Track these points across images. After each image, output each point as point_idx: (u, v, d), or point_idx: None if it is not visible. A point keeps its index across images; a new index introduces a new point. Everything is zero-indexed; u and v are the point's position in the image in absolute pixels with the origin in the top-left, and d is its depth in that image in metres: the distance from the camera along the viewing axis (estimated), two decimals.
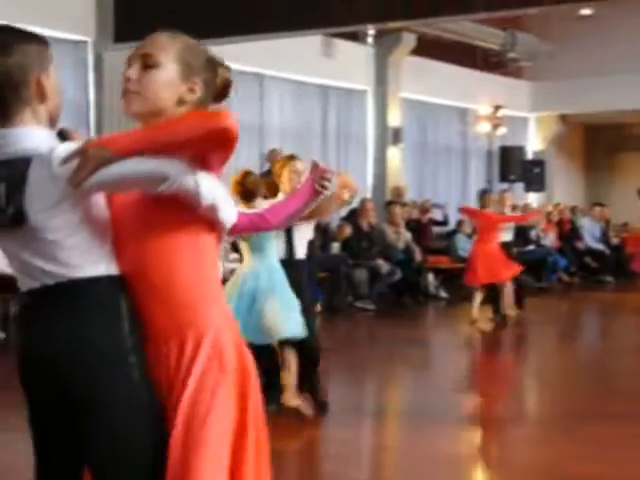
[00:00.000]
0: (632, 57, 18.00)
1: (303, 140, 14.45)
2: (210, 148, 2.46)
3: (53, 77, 2.53)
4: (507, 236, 11.43)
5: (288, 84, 14.12)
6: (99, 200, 2.50)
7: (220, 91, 2.70)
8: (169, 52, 2.58)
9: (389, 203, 14.57)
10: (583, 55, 18.59)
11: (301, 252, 6.36)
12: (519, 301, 11.93)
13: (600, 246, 17.91)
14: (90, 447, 2.44)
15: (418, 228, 14.92)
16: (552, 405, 7.64)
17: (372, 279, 13.15)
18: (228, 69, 2.71)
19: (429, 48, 16.10)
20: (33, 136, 2.44)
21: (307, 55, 13.81)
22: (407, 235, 14.22)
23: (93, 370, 2.40)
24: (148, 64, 2.57)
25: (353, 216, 13.60)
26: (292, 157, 6.38)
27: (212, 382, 2.46)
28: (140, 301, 2.50)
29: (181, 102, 2.59)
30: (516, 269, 11.26)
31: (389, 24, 12.05)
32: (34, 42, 2.50)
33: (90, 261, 2.44)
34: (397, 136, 15.78)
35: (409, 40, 15.59)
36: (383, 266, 13.28)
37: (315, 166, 3.50)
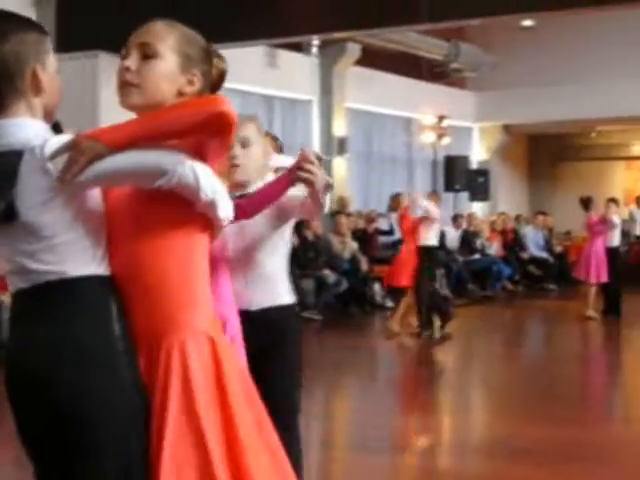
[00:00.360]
0: (573, 68, 18.29)
1: None
2: (208, 135, 2.36)
3: (51, 69, 2.42)
4: (430, 240, 11.20)
5: (232, 94, 14.08)
6: (94, 196, 2.37)
7: (216, 82, 2.64)
8: (168, 42, 2.49)
9: (334, 213, 14.60)
10: (525, 66, 18.83)
11: None
12: (439, 310, 11.26)
13: (543, 254, 18.11)
14: (81, 461, 2.28)
15: (364, 238, 14.97)
16: (498, 410, 7.70)
17: (318, 289, 13.16)
18: (223, 59, 2.66)
19: (374, 58, 16.18)
20: (26, 128, 2.32)
21: (251, 65, 13.79)
22: (353, 245, 14.26)
23: (80, 372, 2.26)
24: (147, 54, 2.47)
25: (298, 226, 13.60)
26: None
27: (199, 387, 2.37)
28: (131, 302, 2.39)
29: (180, 94, 2.50)
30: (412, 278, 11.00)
31: (334, 35, 12.11)
32: (34, 31, 2.39)
33: (82, 260, 2.32)
34: (342, 146, 15.82)
35: (354, 50, 15.66)
36: (329, 276, 13.30)
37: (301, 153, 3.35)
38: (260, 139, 3.64)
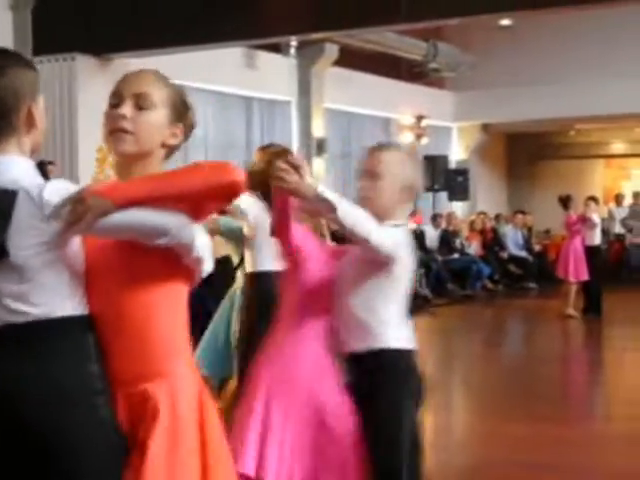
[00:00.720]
0: (551, 67, 18.35)
1: (227, 152, 14.38)
2: (214, 200, 2.43)
3: (41, 107, 2.44)
4: None
5: (211, 96, 14.04)
6: (75, 239, 2.38)
7: (186, 135, 2.66)
8: (162, 94, 2.55)
9: None
10: (504, 65, 18.87)
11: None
12: None
13: (523, 253, 18.16)
14: None
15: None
16: (478, 409, 7.71)
17: None
18: (194, 113, 2.68)
19: (352, 59, 16.17)
20: (17, 166, 2.33)
21: (229, 67, 13.75)
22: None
23: (59, 412, 2.26)
24: (142, 105, 2.51)
25: None
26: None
27: (184, 431, 2.39)
28: (111, 345, 2.39)
29: (163, 146, 2.55)
30: None
31: (312, 36, 12.10)
32: (30, 68, 2.42)
33: (62, 301, 2.32)
34: (321, 147, 15.81)
35: (332, 51, 15.64)
36: None
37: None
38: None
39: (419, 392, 3.50)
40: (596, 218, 13.42)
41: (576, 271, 13.12)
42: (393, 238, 3.27)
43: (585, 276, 13.10)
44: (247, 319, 5.23)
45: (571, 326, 12.85)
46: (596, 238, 13.48)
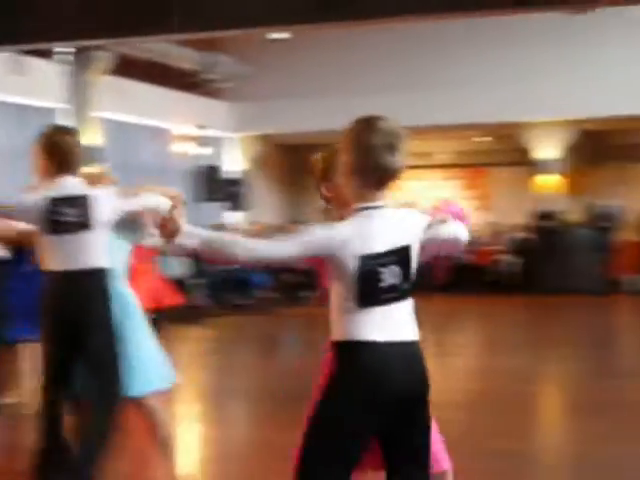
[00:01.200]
0: (326, 80, 18.74)
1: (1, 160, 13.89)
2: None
3: None
4: None
5: None
6: None
7: None
8: None
9: None
10: (280, 77, 19.12)
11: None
12: None
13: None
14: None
15: None
16: (255, 418, 7.75)
17: None
18: None
19: (127, 67, 15.95)
20: None
21: None
22: None
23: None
24: None
25: None
26: None
27: None
28: None
29: None
30: None
31: (84, 42, 11.83)
32: None
33: None
34: (97, 157, 15.49)
35: (105, 59, 15.38)
36: None
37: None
38: None
39: None
40: None
41: None
42: None
43: None
44: None
45: None
46: None
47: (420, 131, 17.40)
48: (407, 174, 3.28)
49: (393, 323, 3.21)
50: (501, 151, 21.13)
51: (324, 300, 3.53)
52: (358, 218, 3.18)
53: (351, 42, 18.06)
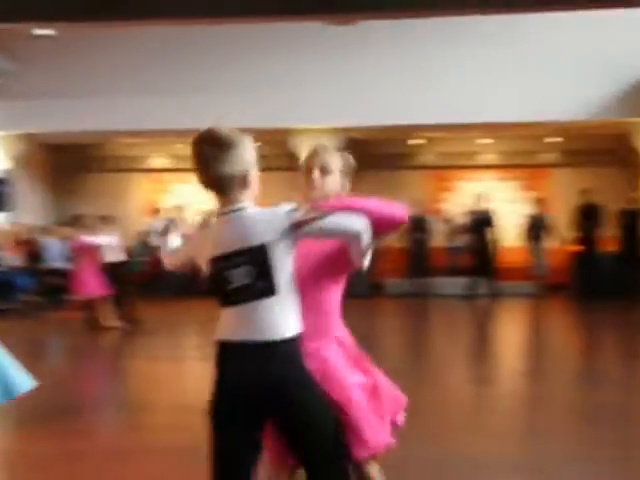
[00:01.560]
0: (93, 80, 18.36)
1: None
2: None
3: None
4: None
5: None
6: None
7: None
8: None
9: None
10: (48, 75, 18.55)
11: None
12: None
13: (64, 265, 17.99)
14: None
15: None
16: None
17: None
18: None
19: None
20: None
21: None
22: None
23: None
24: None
25: None
26: None
27: None
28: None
29: None
30: None
31: None
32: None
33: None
34: None
35: None
36: None
37: None
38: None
39: None
40: (104, 238, 14.00)
41: (100, 286, 13.47)
42: None
43: (109, 291, 13.65)
44: None
45: (115, 336, 13.09)
46: (115, 256, 14.14)
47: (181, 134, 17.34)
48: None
49: (250, 323, 3.34)
50: (272, 156, 21.41)
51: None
52: (214, 223, 3.44)
53: (119, 42, 17.79)
